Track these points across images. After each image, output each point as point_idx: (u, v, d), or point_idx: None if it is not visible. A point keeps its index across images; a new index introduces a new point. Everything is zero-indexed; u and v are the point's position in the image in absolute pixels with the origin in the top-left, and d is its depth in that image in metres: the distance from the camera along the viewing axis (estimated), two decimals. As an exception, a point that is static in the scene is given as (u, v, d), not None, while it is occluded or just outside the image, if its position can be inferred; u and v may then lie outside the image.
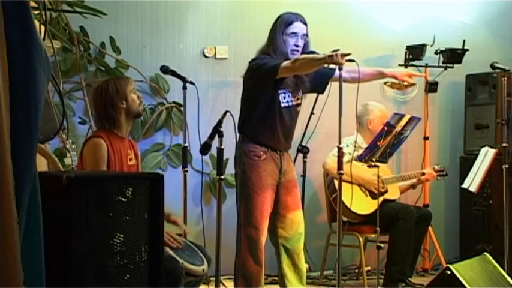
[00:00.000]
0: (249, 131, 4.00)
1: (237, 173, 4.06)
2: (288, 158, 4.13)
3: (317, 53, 3.92)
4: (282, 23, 3.99)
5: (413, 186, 5.29)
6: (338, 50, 3.91)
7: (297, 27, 3.98)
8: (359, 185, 4.94)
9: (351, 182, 4.49)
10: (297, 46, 3.97)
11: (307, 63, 3.87)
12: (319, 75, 4.12)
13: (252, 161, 3.96)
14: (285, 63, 3.84)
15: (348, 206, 4.64)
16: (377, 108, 5.14)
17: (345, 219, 4.61)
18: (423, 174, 5.24)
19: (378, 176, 4.46)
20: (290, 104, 4.03)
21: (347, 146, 4.70)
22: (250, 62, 4.01)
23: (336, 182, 4.52)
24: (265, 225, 3.98)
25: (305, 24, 4.02)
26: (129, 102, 3.64)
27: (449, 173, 5.90)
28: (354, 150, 4.59)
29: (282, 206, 4.05)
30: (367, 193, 4.98)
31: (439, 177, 5.31)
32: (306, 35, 4.02)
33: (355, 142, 4.73)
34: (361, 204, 4.90)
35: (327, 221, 5.30)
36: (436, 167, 5.34)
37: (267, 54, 3.97)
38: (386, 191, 4.99)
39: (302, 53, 3.98)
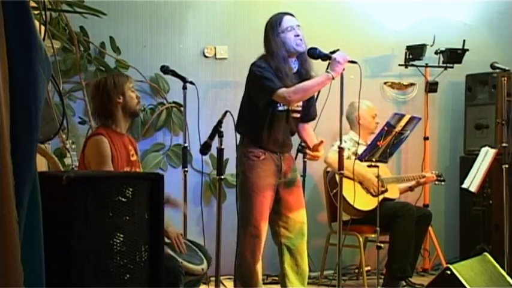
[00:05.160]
0: (246, 132, 4.00)
1: (238, 174, 4.06)
2: (289, 158, 4.11)
3: (317, 51, 3.89)
4: (273, 26, 3.96)
5: (411, 189, 5.30)
6: (338, 50, 3.92)
7: (288, 21, 3.95)
8: (359, 182, 4.96)
9: (352, 179, 4.50)
10: (298, 36, 3.93)
11: (309, 90, 3.89)
12: None
13: (251, 162, 3.96)
14: (283, 93, 3.81)
15: (350, 201, 4.66)
16: (363, 103, 5.14)
17: (345, 218, 4.61)
18: (423, 177, 5.27)
19: (378, 176, 4.49)
20: (286, 108, 3.97)
21: (345, 141, 4.74)
22: (252, 65, 3.98)
23: (337, 177, 4.56)
24: (264, 225, 3.97)
25: (293, 16, 4.00)
26: (126, 98, 3.63)
27: (449, 173, 5.90)
28: (353, 146, 4.70)
29: (284, 205, 4.04)
30: (367, 191, 5.00)
31: (437, 182, 5.35)
32: (299, 26, 3.98)
33: (352, 139, 4.90)
34: (362, 200, 4.92)
35: (327, 221, 5.31)
36: (436, 172, 5.40)
37: (266, 61, 3.94)
38: (386, 190, 5.01)
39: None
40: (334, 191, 4.97)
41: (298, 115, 4.08)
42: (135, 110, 3.70)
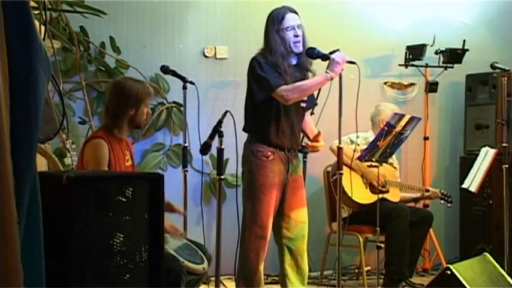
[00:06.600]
0: (255, 130, 3.99)
1: (244, 172, 4.04)
2: (296, 158, 4.12)
3: (316, 51, 3.89)
4: (274, 21, 3.95)
5: (415, 201, 5.28)
6: (338, 50, 3.92)
7: (290, 19, 3.94)
8: (361, 176, 4.96)
9: (350, 166, 4.51)
10: (297, 37, 3.93)
11: (307, 90, 3.91)
12: None
13: (260, 161, 3.94)
14: (281, 91, 3.82)
15: (348, 193, 4.67)
16: (388, 108, 5.17)
17: (344, 214, 4.62)
18: (427, 190, 5.22)
19: (383, 176, 4.49)
20: None
21: (357, 137, 4.73)
22: (252, 60, 3.98)
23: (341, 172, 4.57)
24: (270, 225, 3.98)
25: (296, 13, 3.99)
26: (138, 113, 3.60)
27: (449, 173, 5.90)
28: (364, 145, 4.71)
29: (287, 206, 4.05)
30: (368, 186, 4.99)
31: (442, 201, 5.24)
32: (301, 25, 3.98)
33: (367, 138, 4.91)
34: (360, 193, 4.92)
35: (327, 221, 5.31)
36: (443, 190, 5.27)
37: (266, 57, 3.95)
38: (387, 191, 4.99)
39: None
40: (334, 177, 4.96)
41: (304, 104, 4.09)
42: (140, 125, 3.71)
